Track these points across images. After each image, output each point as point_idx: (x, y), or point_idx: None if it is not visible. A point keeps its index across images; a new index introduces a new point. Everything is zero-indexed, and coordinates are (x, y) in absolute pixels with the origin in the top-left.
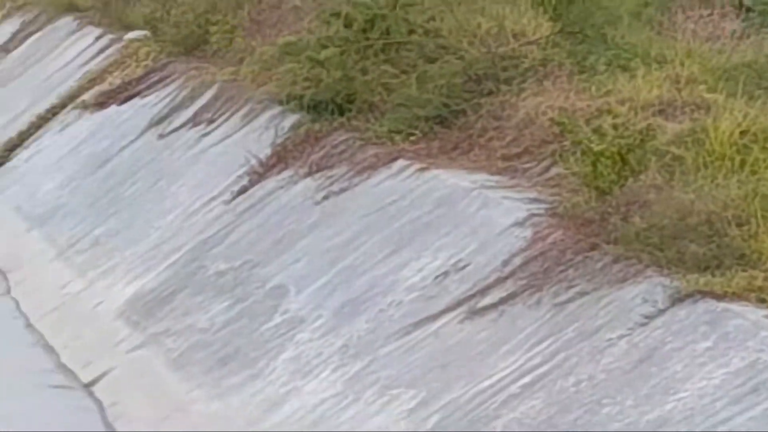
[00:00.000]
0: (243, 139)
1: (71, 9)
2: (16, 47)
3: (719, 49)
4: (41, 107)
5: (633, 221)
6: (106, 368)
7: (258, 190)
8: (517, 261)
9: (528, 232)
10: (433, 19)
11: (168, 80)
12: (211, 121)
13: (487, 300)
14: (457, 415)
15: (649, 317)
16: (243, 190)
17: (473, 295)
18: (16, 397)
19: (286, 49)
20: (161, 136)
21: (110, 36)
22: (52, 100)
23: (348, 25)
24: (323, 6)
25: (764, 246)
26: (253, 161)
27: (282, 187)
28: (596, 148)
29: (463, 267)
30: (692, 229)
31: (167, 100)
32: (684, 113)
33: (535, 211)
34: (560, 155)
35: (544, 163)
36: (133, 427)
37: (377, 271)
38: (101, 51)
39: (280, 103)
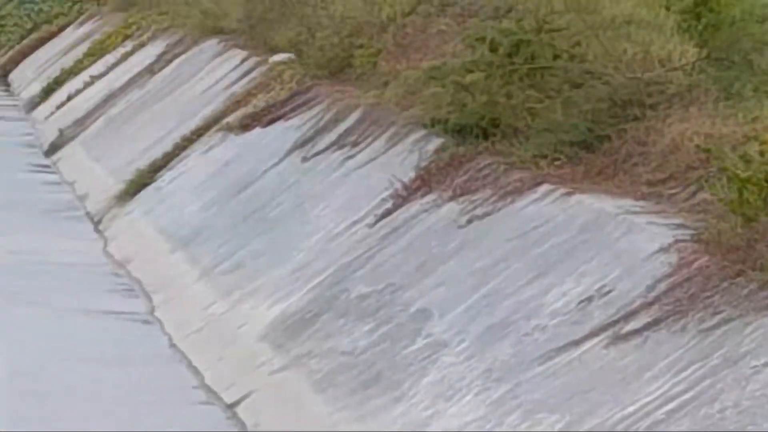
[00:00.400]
0: (387, 163)
1: (216, 31)
2: (161, 69)
3: None
4: (186, 129)
5: None
6: (249, 389)
7: (401, 214)
8: (662, 287)
9: (673, 258)
10: (578, 44)
11: (312, 103)
12: (355, 144)
13: (632, 325)
14: None
15: None
16: (386, 214)
17: (617, 321)
18: (160, 417)
19: (430, 73)
20: (305, 159)
21: (255, 58)
22: (196, 121)
23: (493, 50)
24: (468, 30)
25: None
26: (397, 185)
27: (426, 211)
28: (742, 175)
29: (608, 292)
30: None
31: (311, 122)
32: None
33: (681, 237)
34: (706, 181)
35: (690, 189)
36: None
37: (521, 295)
38: (246, 73)
39: (425, 126)
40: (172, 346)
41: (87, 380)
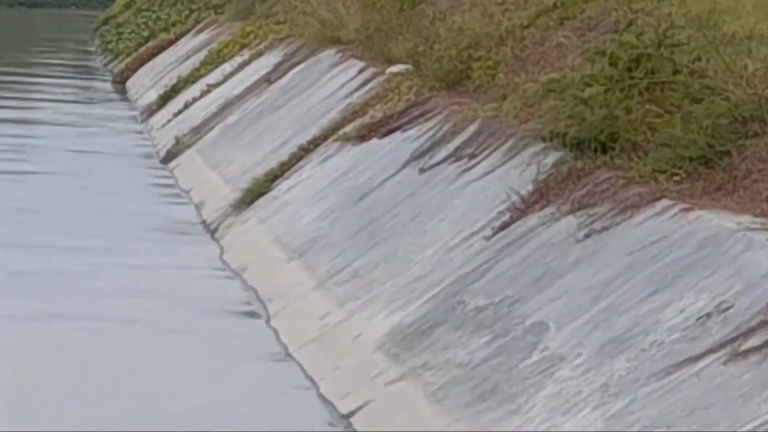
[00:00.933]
0: (504, 175)
1: (334, 41)
2: (278, 78)
3: None
4: (303, 138)
5: None
6: (365, 400)
7: (519, 227)
8: None
9: None
10: (699, 59)
11: (429, 115)
12: (472, 157)
13: (751, 342)
14: None
15: None
16: (504, 226)
17: (736, 338)
18: (274, 427)
19: (549, 86)
20: (422, 171)
21: (373, 69)
22: (313, 131)
23: (613, 64)
24: (587, 44)
25: None
26: (515, 197)
27: (543, 224)
28: None
29: (727, 309)
30: None
31: (428, 134)
32: None
33: None
34: None
35: None
36: None
37: (639, 310)
38: (363, 84)
39: (543, 140)
40: (287, 355)
41: (200, 389)
